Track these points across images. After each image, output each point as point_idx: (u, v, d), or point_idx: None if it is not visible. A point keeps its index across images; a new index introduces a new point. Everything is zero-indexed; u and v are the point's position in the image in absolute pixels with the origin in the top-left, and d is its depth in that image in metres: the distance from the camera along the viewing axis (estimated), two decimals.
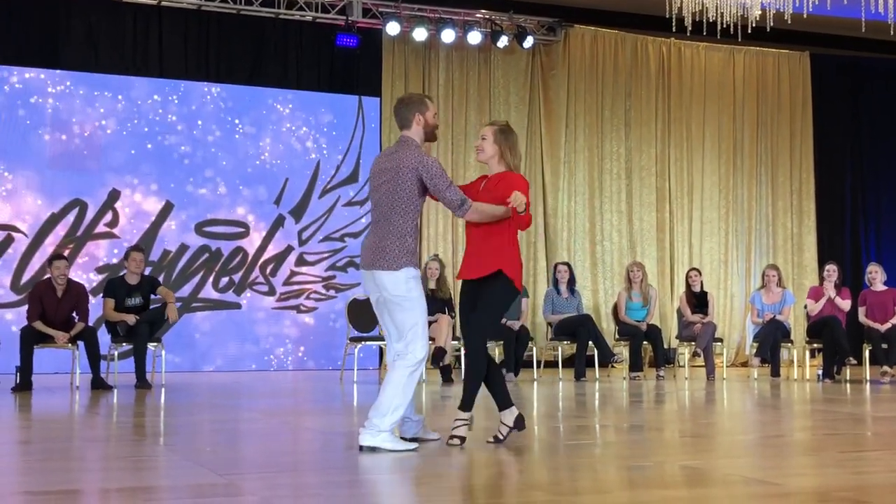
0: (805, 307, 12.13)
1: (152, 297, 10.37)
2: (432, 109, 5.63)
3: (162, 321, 10.26)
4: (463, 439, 5.39)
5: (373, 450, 5.14)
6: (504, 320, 11.28)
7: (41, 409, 8.11)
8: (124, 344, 10.20)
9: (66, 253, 11.72)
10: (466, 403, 5.45)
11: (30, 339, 9.63)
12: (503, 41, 13.80)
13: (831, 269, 11.75)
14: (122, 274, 10.49)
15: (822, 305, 11.54)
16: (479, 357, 5.47)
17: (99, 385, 9.61)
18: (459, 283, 14.40)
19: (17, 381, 9.47)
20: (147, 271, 10.94)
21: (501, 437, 5.48)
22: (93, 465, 5.16)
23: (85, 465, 5.11)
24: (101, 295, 10.44)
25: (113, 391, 9.41)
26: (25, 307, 10.11)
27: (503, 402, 5.52)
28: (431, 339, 10.89)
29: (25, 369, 9.49)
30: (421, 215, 5.68)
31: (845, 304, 11.55)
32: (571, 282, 12.11)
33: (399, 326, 5.37)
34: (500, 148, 5.63)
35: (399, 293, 5.33)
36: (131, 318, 9.93)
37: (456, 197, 5.38)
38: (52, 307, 9.82)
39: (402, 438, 5.38)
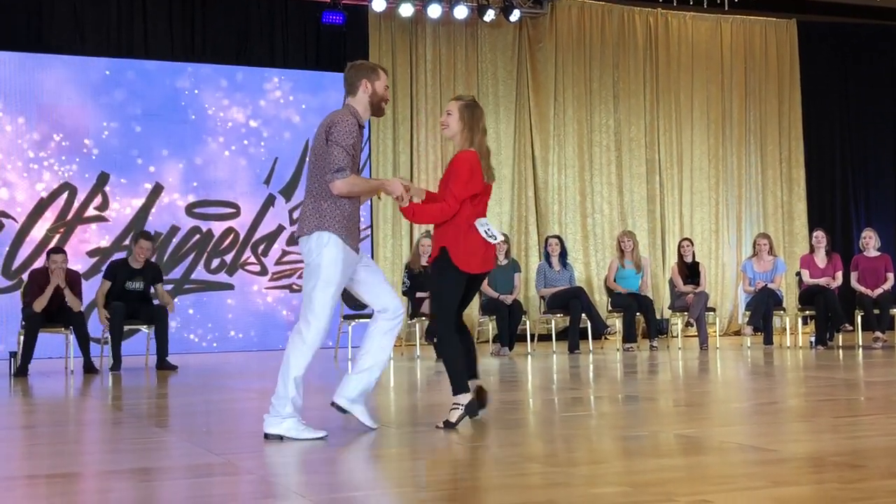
0: (797, 274, 12.16)
1: (151, 290, 10.31)
2: (384, 80, 5.18)
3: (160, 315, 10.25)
4: (452, 424, 5.19)
5: (280, 438, 4.85)
6: (497, 295, 11.31)
7: (39, 393, 8.11)
8: (126, 327, 10.19)
9: (56, 238, 11.73)
10: (459, 386, 5.27)
11: (33, 324, 9.61)
12: (489, 15, 13.75)
13: (819, 236, 11.78)
14: (125, 256, 10.46)
15: (815, 280, 11.56)
16: (445, 341, 5.34)
17: (90, 369, 9.62)
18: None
19: (19, 364, 9.45)
20: None
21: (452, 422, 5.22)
22: (91, 447, 5.17)
23: (82, 448, 5.12)
24: (101, 275, 10.43)
25: (113, 374, 9.41)
26: (17, 293, 10.09)
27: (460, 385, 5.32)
28: (424, 314, 10.93)
29: (27, 354, 9.48)
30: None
31: (837, 279, 11.56)
32: (563, 255, 12.11)
33: (305, 295, 5.01)
34: (464, 124, 5.39)
35: (310, 260, 4.97)
36: (103, 315, 9.92)
37: (337, 160, 4.91)
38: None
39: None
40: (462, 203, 5.28)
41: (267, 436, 4.89)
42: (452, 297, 5.33)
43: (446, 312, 5.34)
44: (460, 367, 5.31)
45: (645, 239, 14.52)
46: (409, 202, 5.23)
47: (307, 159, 5.23)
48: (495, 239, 5.38)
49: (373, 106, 5.19)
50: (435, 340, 5.23)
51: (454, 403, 5.24)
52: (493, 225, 5.47)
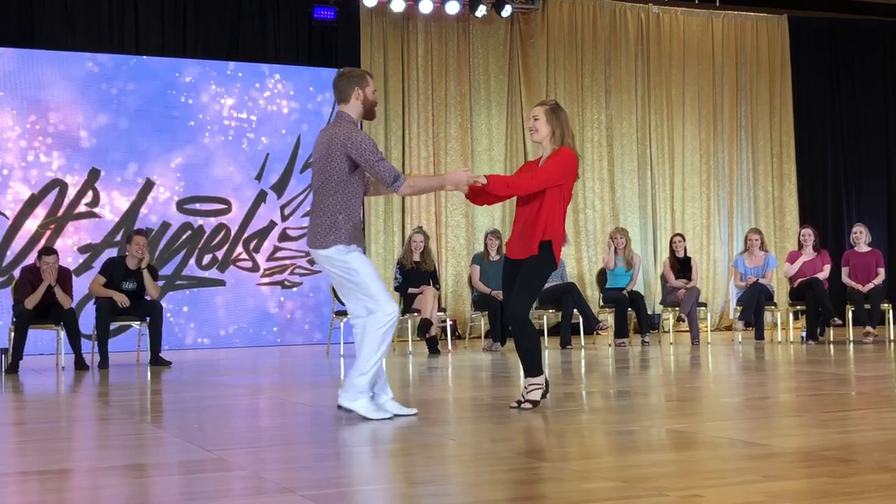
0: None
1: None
2: (372, 85, 5.50)
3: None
4: (535, 403, 5.56)
5: (349, 411, 5.33)
6: (489, 291, 11.32)
7: (30, 390, 8.09)
8: (115, 323, 10.15)
9: (47, 234, 11.69)
10: (533, 369, 5.59)
11: (24, 321, 9.59)
12: (481, 11, 13.75)
13: (806, 234, 11.80)
14: (123, 255, 10.42)
15: (797, 267, 11.59)
16: (525, 329, 5.64)
17: (81, 366, 9.60)
18: (444, 254, 14.35)
19: (10, 361, 9.43)
20: None
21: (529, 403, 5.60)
22: (82, 444, 5.16)
23: (74, 445, 5.11)
24: (98, 271, 10.40)
25: (105, 371, 9.39)
26: (7, 289, 10.05)
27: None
28: (417, 310, 10.93)
29: (17, 350, 9.46)
30: (368, 187, 5.60)
31: (825, 271, 11.59)
32: None
33: (360, 294, 5.36)
34: (552, 127, 5.63)
35: (337, 269, 5.34)
36: (122, 298, 9.87)
37: (388, 171, 5.30)
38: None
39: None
40: (551, 193, 5.53)
41: (339, 407, 5.37)
42: (542, 287, 5.78)
43: (532, 300, 5.68)
44: (539, 351, 5.66)
45: (637, 234, 14.54)
46: (487, 178, 5.55)
47: (313, 174, 5.39)
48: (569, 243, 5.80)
49: (366, 111, 5.51)
50: (510, 327, 5.74)
51: (532, 384, 5.58)
52: None
